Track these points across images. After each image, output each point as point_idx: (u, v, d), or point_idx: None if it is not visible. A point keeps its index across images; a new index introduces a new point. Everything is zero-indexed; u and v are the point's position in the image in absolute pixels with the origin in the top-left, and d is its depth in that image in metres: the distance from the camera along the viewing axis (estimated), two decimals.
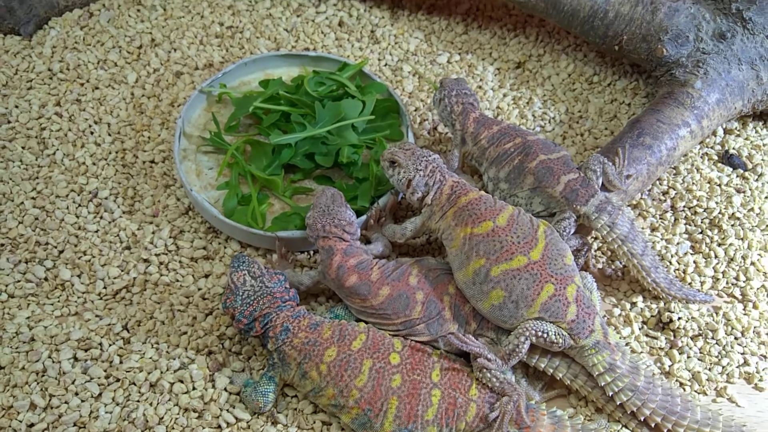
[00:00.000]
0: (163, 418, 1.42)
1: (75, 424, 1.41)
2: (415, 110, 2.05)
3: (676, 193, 1.85)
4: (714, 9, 1.90)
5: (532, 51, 2.24)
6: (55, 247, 1.70)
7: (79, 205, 1.79)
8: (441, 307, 1.48)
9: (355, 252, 1.54)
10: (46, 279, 1.65)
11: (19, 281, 1.63)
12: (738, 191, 1.85)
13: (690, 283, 1.68)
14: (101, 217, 1.77)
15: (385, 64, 2.19)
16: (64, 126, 1.94)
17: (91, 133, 1.94)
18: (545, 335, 1.40)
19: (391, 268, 1.52)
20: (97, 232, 1.74)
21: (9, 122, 1.95)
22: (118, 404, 1.43)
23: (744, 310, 1.65)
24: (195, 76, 2.12)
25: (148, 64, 2.13)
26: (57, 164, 1.86)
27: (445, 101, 1.79)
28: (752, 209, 1.81)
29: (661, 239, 1.77)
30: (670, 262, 1.72)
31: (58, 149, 1.89)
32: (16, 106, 1.98)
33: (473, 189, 1.55)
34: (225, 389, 1.47)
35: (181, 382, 1.47)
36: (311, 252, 1.73)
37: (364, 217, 1.68)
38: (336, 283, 1.52)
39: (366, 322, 1.51)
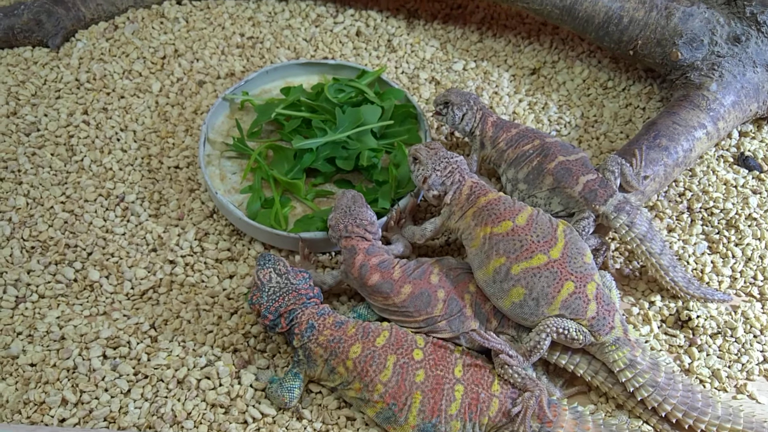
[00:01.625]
0: (191, 413, 1.44)
1: (105, 419, 1.44)
2: (432, 116, 2.08)
3: (692, 195, 1.87)
4: (728, 13, 1.93)
5: (547, 57, 2.27)
6: (84, 249, 1.74)
7: (107, 209, 1.83)
8: (462, 304, 1.51)
9: (377, 251, 1.57)
10: (75, 280, 1.68)
11: (49, 282, 1.67)
12: (754, 192, 1.87)
13: (708, 283, 1.70)
14: (128, 221, 1.81)
15: (402, 72, 2.22)
16: (92, 133, 1.99)
17: (118, 140, 1.99)
18: (566, 332, 1.41)
19: (413, 267, 1.55)
20: (124, 234, 1.78)
21: (38, 130, 2.00)
22: (146, 400, 1.46)
23: (762, 308, 1.66)
24: (217, 84, 2.16)
25: (172, 73, 2.18)
26: (85, 170, 1.91)
27: (468, 114, 1.82)
28: None
29: (678, 240, 1.78)
30: (688, 262, 1.74)
31: (86, 156, 1.94)
32: (45, 115, 2.04)
33: (492, 190, 1.58)
34: (251, 386, 1.49)
35: (208, 378, 1.49)
36: (333, 253, 1.76)
37: (384, 219, 1.71)
38: (359, 281, 1.54)
39: (388, 320, 1.53)
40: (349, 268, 1.56)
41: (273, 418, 1.46)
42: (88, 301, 1.64)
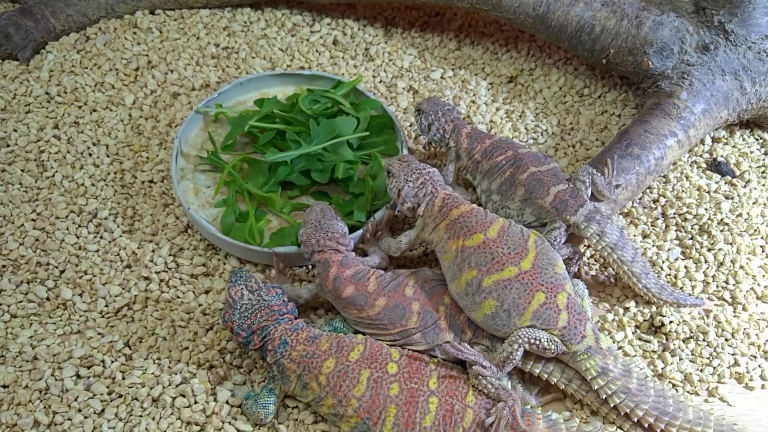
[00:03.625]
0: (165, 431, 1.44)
1: None
2: (410, 125, 2.09)
3: (666, 201, 1.88)
4: (697, 22, 1.95)
5: (524, 65, 2.28)
6: (56, 267, 1.72)
7: (79, 226, 1.81)
8: (437, 316, 1.51)
9: (351, 263, 1.57)
10: (47, 299, 1.67)
11: (21, 301, 1.66)
12: (726, 197, 1.89)
13: (681, 288, 1.71)
14: (101, 237, 1.80)
15: (380, 81, 2.22)
16: (63, 148, 1.98)
17: (90, 154, 1.98)
18: (538, 342, 1.42)
19: (388, 279, 1.55)
20: (97, 251, 1.77)
21: (8, 146, 1.98)
22: (121, 420, 1.45)
23: (734, 312, 1.68)
24: (192, 96, 2.15)
25: (145, 85, 2.17)
26: (56, 186, 1.89)
27: (436, 125, 1.82)
28: (740, 215, 1.84)
29: (653, 246, 1.80)
30: (662, 268, 1.75)
31: (57, 171, 1.92)
32: (15, 130, 2.02)
33: (465, 202, 1.59)
34: (227, 402, 1.49)
35: (183, 396, 1.49)
36: (309, 266, 1.76)
37: (360, 232, 1.71)
38: (333, 294, 1.55)
39: (363, 333, 1.53)
40: (323, 281, 1.56)
41: None
42: (61, 320, 1.63)
